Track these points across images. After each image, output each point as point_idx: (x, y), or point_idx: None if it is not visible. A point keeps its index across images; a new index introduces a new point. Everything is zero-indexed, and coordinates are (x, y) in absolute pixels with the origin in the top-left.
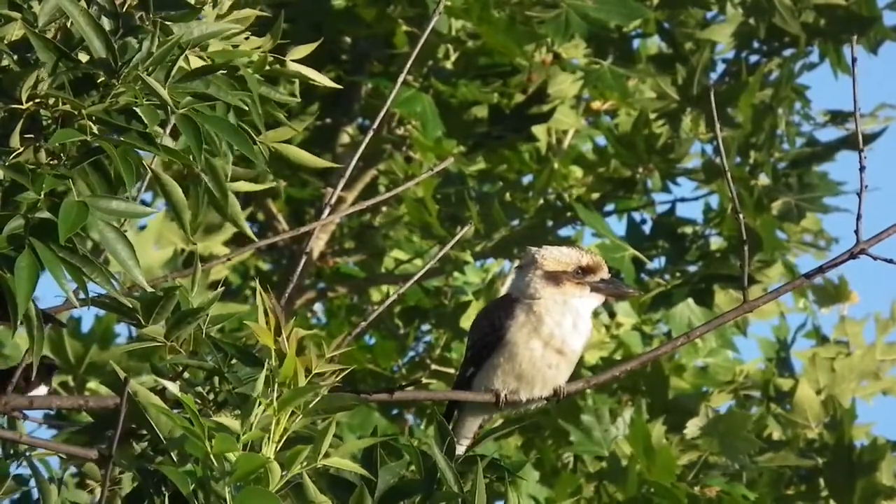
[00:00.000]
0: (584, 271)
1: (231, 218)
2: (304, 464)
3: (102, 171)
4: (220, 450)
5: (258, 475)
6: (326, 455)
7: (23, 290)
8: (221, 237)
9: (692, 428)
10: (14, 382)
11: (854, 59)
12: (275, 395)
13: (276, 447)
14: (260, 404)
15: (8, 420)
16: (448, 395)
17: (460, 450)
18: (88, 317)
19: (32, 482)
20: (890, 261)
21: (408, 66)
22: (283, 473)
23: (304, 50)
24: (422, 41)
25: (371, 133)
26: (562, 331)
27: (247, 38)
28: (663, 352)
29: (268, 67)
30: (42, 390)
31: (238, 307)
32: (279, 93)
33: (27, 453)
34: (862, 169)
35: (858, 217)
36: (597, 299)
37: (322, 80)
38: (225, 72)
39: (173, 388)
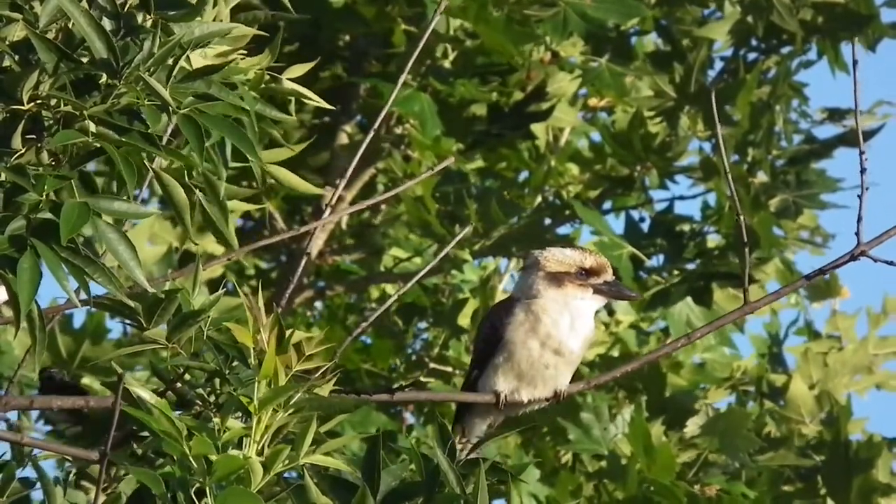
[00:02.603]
0: (586, 273)
1: (225, 235)
2: (287, 462)
3: (88, 176)
4: (198, 451)
5: (240, 475)
6: (312, 453)
7: (25, 291)
8: None
9: (692, 426)
10: (14, 383)
11: (855, 62)
12: (256, 393)
13: (259, 446)
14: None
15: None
16: (448, 397)
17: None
18: (80, 312)
19: (37, 484)
20: (891, 263)
21: (408, 67)
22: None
23: (300, 69)
24: (421, 43)
25: (371, 134)
26: (559, 331)
27: (243, 58)
28: (664, 353)
29: (263, 85)
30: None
31: (234, 301)
32: (277, 111)
33: (34, 453)
34: (863, 171)
35: (859, 219)
36: (598, 301)
37: (317, 100)
38: (223, 78)
39: (148, 395)
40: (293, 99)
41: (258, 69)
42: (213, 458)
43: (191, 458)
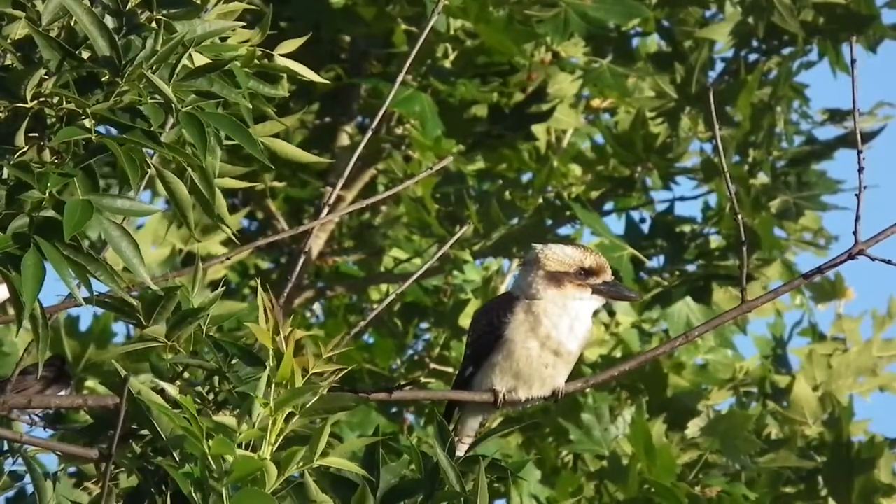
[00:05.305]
0: (586, 273)
1: (217, 216)
2: (301, 464)
3: (91, 174)
4: (217, 451)
5: (255, 476)
6: (325, 454)
7: (29, 289)
8: (220, 237)
9: (693, 427)
10: (12, 381)
11: (853, 61)
12: (272, 395)
13: (274, 447)
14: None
15: (6, 419)
16: (447, 395)
17: (461, 449)
18: (86, 315)
19: (28, 478)
20: (888, 261)
21: (406, 65)
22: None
23: (292, 44)
24: (420, 41)
25: (370, 134)
26: (558, 332)
27: (234, 32)
28: (662, 351)
29: (256, 62)
30: (61, 392)
31: (237, 305)
32: (269, 88)
33: (23, 448)
34: (861, 170)
35: (857, 218)
36: (597, 301)
37: (311, 75)
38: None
39: (172, 389)
40: (285, 76)
41: (250, 46)
42: (230, 458)
43: (209, 458)
